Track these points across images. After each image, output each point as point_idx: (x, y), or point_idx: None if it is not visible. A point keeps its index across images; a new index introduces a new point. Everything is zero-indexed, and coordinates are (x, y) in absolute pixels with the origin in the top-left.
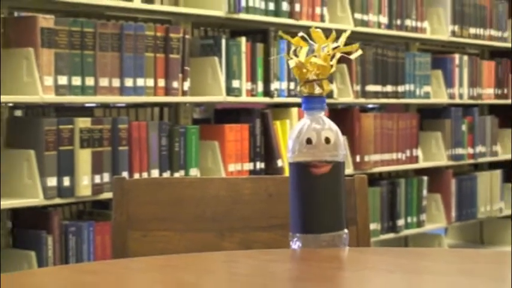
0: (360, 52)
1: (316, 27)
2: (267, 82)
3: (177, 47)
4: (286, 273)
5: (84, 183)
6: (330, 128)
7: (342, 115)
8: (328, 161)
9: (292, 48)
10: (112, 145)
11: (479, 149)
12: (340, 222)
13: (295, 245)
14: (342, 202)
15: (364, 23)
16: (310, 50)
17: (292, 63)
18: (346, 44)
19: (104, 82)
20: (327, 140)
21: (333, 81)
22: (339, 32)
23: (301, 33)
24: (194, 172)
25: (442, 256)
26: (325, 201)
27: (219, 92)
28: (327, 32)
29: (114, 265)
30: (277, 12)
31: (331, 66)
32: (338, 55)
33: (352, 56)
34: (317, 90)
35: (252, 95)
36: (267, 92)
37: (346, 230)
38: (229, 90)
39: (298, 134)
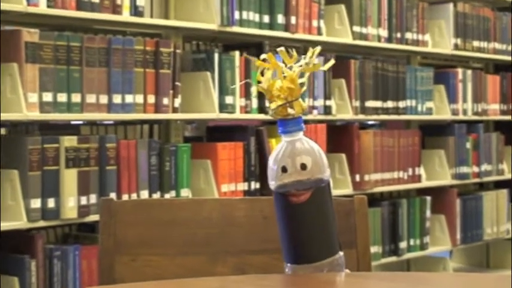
0: (332, 62)
1: (312, 41)
2: (261, 98)
3: (168, 61)
4: None
5: (70, 205)
6: (307, 151)
7: (340, 132)
8: (307, 188)
9: (259, 69)
10: (99, 165)
11: (485, 167)
12: (330, 248)
13: (290, 271)
14: (331, 227)
15: (363, 36)
16: (274, 73)
17: (254, 91)
18: (337, 58)
19: (91, 99)
20: (303, 167)
21: (330, 97)
22: (339, 45)
23: (263, 56)
24: (185, 193)
25: (447, 281)
26: (310, 230)
27: (211, 109)
28: (314, 45)
29: None
30: (272, 25)
31: (302, 84)
32: (307, 75)
33: (325, 67)
34: (290, 112)
35: (246, 112)
36: (261, 108)
37: (340, 253)
38: (222, 107)
39: (274, 161)
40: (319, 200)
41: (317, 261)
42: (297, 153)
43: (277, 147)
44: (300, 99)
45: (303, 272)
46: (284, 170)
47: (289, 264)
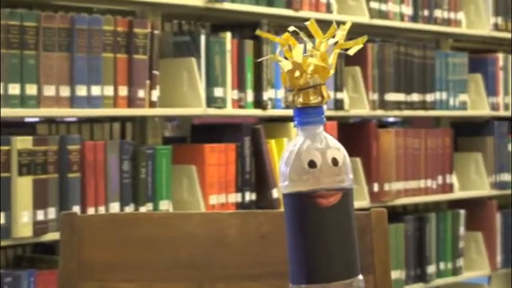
0: (359, 46)
1: (320, 20)
2: (258, 90)
3: (144, 45)
4: None
5: (24, 221)
6: (336, 145)
7: (354, 131)
8: (338, 188)
9: (278, 49)
10: (59, 171)
11: None
12: (354, 266)
13: None
14: (355, 239)
15: (383, 14)
16: (303, 48)
17: (286, 65)
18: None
19: (49, 91)
20: (335, 162)
21: (342, 89)
22: (353, 26)
23: (292, 27)
24: (165, 206)
25: None
26: (336, 239)
27: (197, 103)
28: (323, 25)
29: None
30: (271, 1)
31: (330, 67)
32: (336, 54)
33: (351, 52)
34: (314, 99)
35: (240, 107)
36: (258, 103)
37: (361, 277)
38: (211, 101)
39: (296, 155)
40: (348, 205)
41: (336, 281)
42: (325, 147)
43: (294, 142)
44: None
45: None
46: (312, 164)
47: (301, 286)
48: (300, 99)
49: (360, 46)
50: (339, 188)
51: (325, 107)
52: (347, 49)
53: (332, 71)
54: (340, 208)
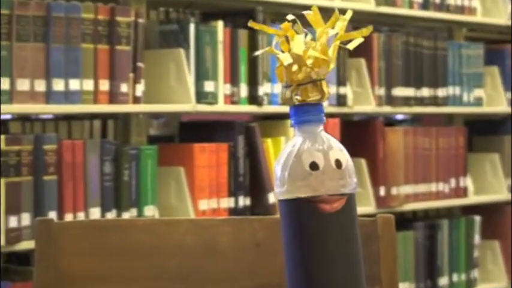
0: (359, 40)
1: (321, 8)
2: (253, 84)
3: (127, 35)
4: None
5: None
6: (338, 146)
7: (359, 129)
8: (342, 192)
9: (275, 41)
10: (34, 174)
11: None
12: (358, 278)
13: None
14: (359, 249)
15: (390, 1)
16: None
17: (285, 58)
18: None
19: (23, 85)
20: (338, 164)
21: (345, 83)
22: (358, 13)
23: (290, 16)
24: (150, 211)
25: None
26: (339, 249)
27: (185, 99)
28: (323, 13)
29: None
30: None
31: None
32: (336, 47)
33: (351, 46)
34: (314, 96)
35: (233, 102)
36: (253, 98)
37: None
38: (201, 96)
39: (296, 157)
40: (352, 211)
41: None
42: (327, 147)
43: (292, 142)
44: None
45: None
46: (314, 167)
47: None
48: (298, 96)
49: (361, 40)
50: (343, 192)
51: (325, 104)
52: (347, 42)
53: (332, 65)
54: (344, 215)
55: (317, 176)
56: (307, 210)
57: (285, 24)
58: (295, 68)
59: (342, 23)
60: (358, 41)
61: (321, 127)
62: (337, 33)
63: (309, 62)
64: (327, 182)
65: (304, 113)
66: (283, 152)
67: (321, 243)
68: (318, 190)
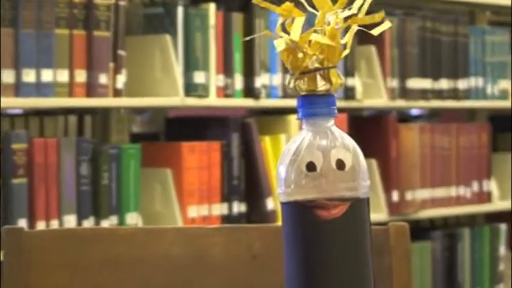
0: (388, 25)
1: None
2: (249, 75)
3: (106, 19)
4: None
5: None
6: (345, 145)
7: (369, 126)
8: (344, 197)
9: (279, 21)
10: (2, 176)
11: None
12: None
13: None
14: (368, 260)
15: None
16: (308, 22)
17: (279, 44)
18: (368, 13)
19: None
20: (340, 165)
21: (353, 73)
22: None
23: None
24: (133, 219)
25: None
26: (341, 260)
27: (173, 91)
28: None
29: None
30: None
31: (344, 46)
32: (354, 30)
33: (376, 31)
34: (322, 86)
35: (226, 96)
36: (249, 91)
37: None
38: (190, 88)
39: (293, 156)
40: (358, 218)
41: None
42: (330, 146)
43: (296, 138)
44: (337, 69)
45: None
46: (311, 167)
47: None
48: (305, 85)
49: (388, 25)
50: (345, 197)
51: (336, 95)
52: (363, 26)
53: (347, 51)
54: (346, 222)
55: (314, 177)
56: (303, 216)
57: (286, 5)
58: (300, 54)
59: (361, 1)
60: (386, 25)
61: (332, 122)
62: (352, 15)
63: (311, 49)
64: (325, 185)
65: (311, 104)
66: (287, 148)
67: (318, 253)
68: (314, 194)
